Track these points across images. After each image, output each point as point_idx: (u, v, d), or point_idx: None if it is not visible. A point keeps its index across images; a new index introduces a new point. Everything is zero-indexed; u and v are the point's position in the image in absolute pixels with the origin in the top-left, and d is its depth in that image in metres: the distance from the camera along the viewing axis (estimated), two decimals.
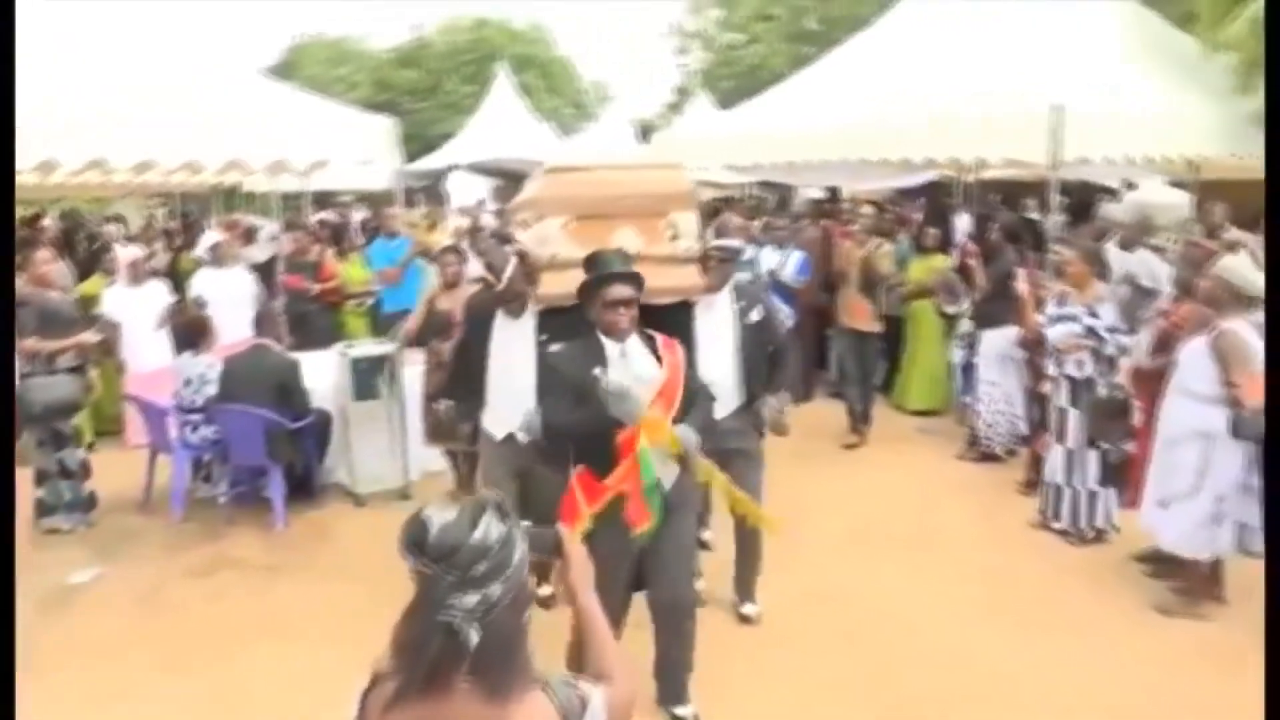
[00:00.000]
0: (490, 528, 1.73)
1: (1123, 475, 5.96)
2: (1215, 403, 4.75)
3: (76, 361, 6.33)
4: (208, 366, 6.64)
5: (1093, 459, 5.93)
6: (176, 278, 9.29)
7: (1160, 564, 5.38)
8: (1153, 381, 5.43)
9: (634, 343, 3.83)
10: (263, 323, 6.70)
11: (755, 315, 4.86)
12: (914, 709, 4.25)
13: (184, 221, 12.73)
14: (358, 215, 12.25)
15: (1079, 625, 4.95)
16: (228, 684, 4.54)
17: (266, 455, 6.33)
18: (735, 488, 4.21)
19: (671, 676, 4.10)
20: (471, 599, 1.68)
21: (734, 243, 5.06)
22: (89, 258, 10.24)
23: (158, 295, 8.11)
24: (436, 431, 6.08)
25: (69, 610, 5.30)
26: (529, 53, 36.25)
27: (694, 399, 3.91)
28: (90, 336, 6.47)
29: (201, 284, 8.35)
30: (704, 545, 5.35)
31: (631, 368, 3.77)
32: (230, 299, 7.99)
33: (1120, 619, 5.01)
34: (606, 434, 3.70)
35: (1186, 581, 5.11)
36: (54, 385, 6.08)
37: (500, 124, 22.91)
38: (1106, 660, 4.59)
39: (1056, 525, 6.07)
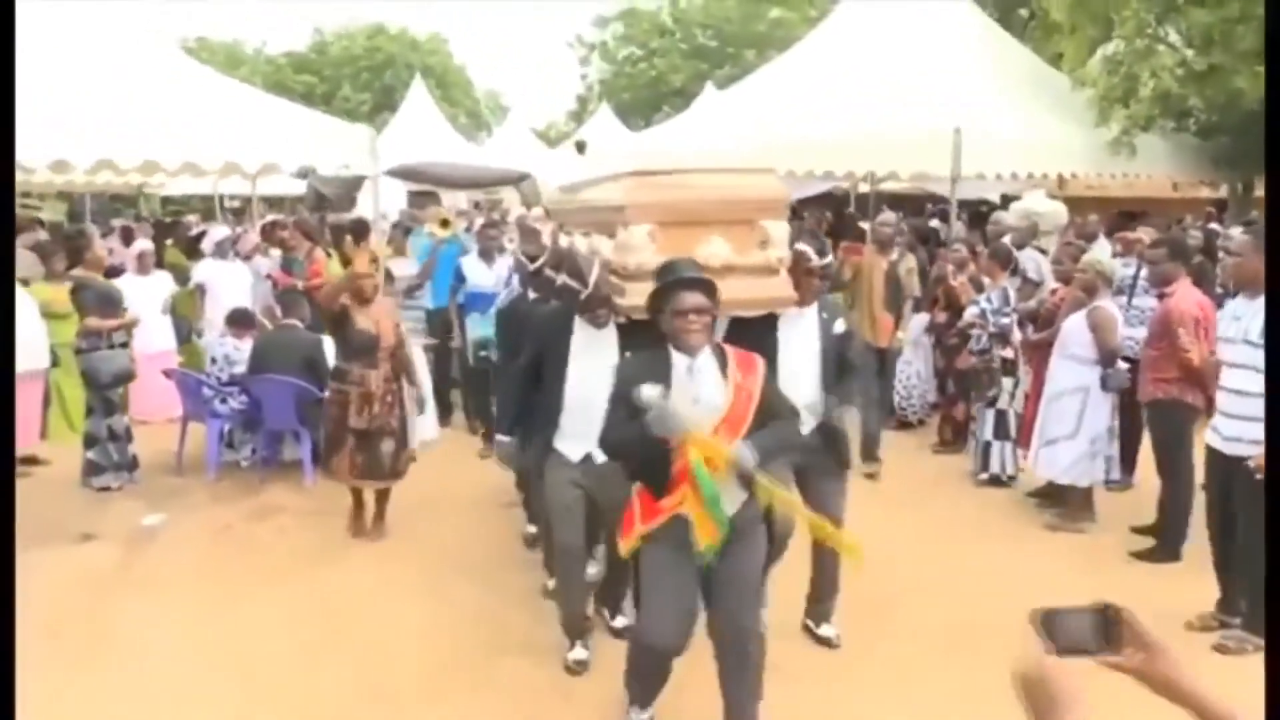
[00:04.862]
0: None
1: (1019, 432, 7.34)
2: (1090, 363, 6.19)
3: (125, 338, 7.13)
4: (233, 347, 7.54)
5: (989, 416, 7.32)
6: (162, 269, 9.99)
7: (1046, 497, 6.82)
8: (1042, 351, 6.85)
9: (705, 357, 3.58)
10: (289, 306, 7.58)
11: (839, 327, 4.66)
12: (861, 600, 5.17)
13: (154, 221, 13.42)
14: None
15: (987, 540, 6.30)
16: (314, 595, 5.45)
17: (298, 420, 7.23)
18: (807, 508, 3.94)
19: (737, 707, 3.81)
20: None
21: (831, 259, 4.88)
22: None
23: (163, 284, 8.86)
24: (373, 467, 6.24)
25: (153, 545, 6.14)
26: (427, 63, 36.87)
27: (772, 416, 3.65)
28: (134, 318, 7.28)
29: (204, 273, 9.15)
30: None
31: (696, 386, 3.54)
32: (232, 287, 8.85)
33: (1018, 534, 6.39)
34: (661, 452, 3.45)
35: (1067, 506, 6.54)
36: (114, 358, 6.89)
37: (412, 131, 23.69)
38: (1008, 563, 5.88)
39: (971, 470, 7.47)
